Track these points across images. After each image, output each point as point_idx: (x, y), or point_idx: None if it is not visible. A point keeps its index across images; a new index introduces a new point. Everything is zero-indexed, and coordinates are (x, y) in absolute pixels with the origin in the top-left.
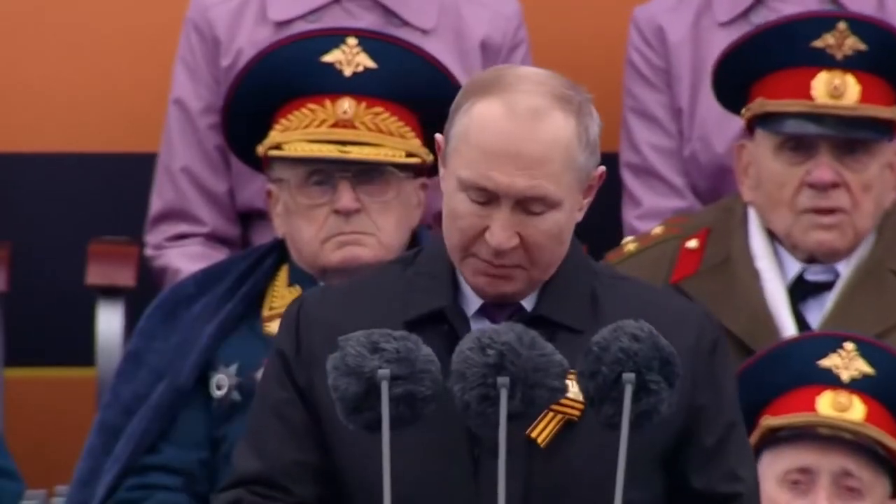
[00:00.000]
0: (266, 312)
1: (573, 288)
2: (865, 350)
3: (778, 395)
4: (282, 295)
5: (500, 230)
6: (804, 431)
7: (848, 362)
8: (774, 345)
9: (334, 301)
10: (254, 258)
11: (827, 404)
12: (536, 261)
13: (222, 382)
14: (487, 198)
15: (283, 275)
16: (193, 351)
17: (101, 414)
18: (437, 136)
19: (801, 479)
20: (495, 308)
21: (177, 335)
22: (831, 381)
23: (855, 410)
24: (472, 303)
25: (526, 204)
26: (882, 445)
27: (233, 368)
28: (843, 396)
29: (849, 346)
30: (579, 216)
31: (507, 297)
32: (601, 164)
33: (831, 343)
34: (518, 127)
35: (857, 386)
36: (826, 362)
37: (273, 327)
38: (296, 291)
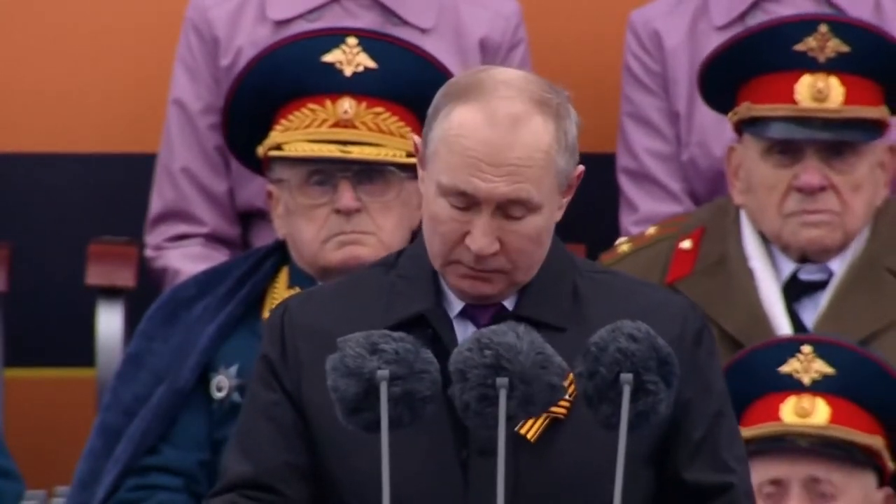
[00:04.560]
0: (266, 314)
1: (554, 285)
2: (823, 350)
3: (745, 406)
4: (282, 296)
5: (481, 236)
6: (771, 443)
7: (807, 365)
8: (737, 355)
9: (318, 306)
10: (255, 259)
11: (790, 411)
12: (518, 264)
13: (223, 384)
14: (467, 203)
15: (283, 276)
16: (193, 352)
17: (101, 415)
18: (415, 137)
19: (774, 491)
20: (478, 309)
21: (177, 337)
22: (794, 386)
23: (818, 414)
24: (455, 305)
25: (506, 209)
26: (852, 443)
27: (233, 370)
28: (805, 401)
29: (806, 349)
30: (559, 215)
31: (489, 297)
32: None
33: (789, 348)
34: (498, 134)
35: (820, 387)
36: (786, 368)
37: None
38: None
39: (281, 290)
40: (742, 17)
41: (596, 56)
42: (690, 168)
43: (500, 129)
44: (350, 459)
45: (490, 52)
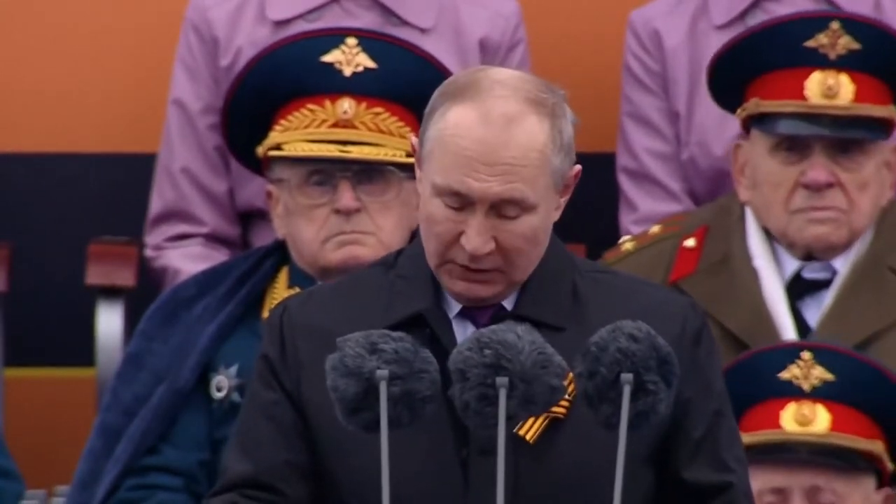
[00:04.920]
0: (266, 314)
1: (554, 285)
2: (823, 357)
3: (745, 410)
4: (282, 296)
5: (476, 235)
6: (772, 451)
7: (807, 371)
8: (737, 358)
9: (318, 306)
10: (255, 259)
11: (790, 418)
12: (513, 264)
13: (222, 384)
14: (462, 203)
15: (283, 276)
16: (193, 352)
17: (101, 416)
18: (413, 137)
19: (776, 500)
20: (477, 309)
21: (177, 336)
22: (794, 392)
23: (819, 421)
24: (454, 305)
25: (501, 208)
26: (853, 450)
27: (233, 370)
28: (806, 408)
29: (806, 355)
30: (556, 215)
31: (484, 300)
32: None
33: (789, 354)
34: (492, 133)
35: (820, 394)
36: (786, 374)
37: None
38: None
39: (281, 290)
40: (742, 16)
41: (596, 56)
42: (690, 167)
43: (494, 128)
44: (350, 459)
45: (490, 52)
